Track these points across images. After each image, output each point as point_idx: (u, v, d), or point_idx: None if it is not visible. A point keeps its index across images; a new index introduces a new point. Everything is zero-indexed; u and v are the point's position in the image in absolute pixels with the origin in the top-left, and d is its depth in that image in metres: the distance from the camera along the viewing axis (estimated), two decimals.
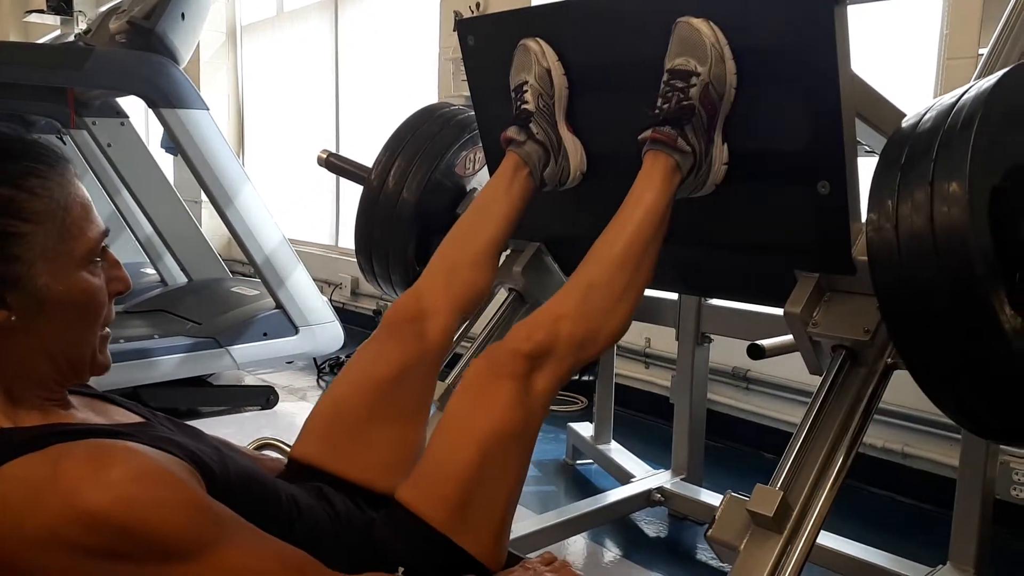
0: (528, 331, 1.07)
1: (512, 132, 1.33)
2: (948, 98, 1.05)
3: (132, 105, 3.60)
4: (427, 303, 1.21)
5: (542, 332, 1.07)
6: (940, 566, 1.68)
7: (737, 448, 2.74)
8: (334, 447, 1.10)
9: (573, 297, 1.11)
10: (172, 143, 3.10)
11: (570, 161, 1.37)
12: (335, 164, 2.08)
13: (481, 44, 1.52)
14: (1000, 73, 1.01)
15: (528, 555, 1.17)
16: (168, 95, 2.88)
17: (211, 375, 3.23)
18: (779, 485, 1.11)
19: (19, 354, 0.81)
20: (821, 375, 1.23)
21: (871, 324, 1.16)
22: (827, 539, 1.79)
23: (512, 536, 1.64)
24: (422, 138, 1.89)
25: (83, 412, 0.89)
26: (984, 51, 2.02)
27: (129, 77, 2.89)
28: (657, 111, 1.16)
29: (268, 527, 0.85)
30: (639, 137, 1.17)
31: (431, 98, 3.86)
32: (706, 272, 1.53)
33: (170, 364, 2.90)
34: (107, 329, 0.88)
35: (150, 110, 2.97)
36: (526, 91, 1.34)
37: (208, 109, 3.00)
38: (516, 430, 1.02)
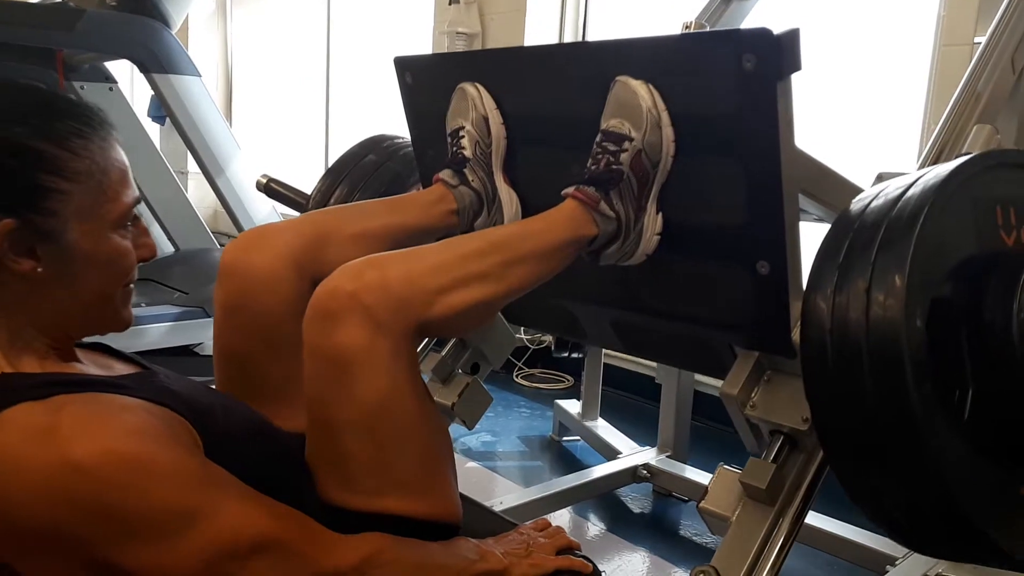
0: (353, 268, 0.92)
1: (446, 175, 1.25)
2: (896, 186, 0.96)
3: (117, 73, 3.55)
4: (273, 239, 1.10)
5: (369, 270, 0.92)
6: None
7: (720, 428, 2.77)
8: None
9: (419, 251, 1.00)
10: (163, 110, 3.07)
11: (505, 213, 1.29)
12: (274, 189, 2.05)
13: (419, 82, 1.44)
14: (952, 165, 0.92)
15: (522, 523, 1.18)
16: (160, 60, 2.84)
17: (198, 344, 3.22)
18: (772, 458, 1.13)
19: (39, 304, 0.83)
20: (759, 455, 1.16)
21: (809, 412, 1.03)
22: (811, 517, 1.82)
23: (498, 509, 1.66)
24: (367, 168, 1.78)
25: (83, 363, 0.90)
26: (979, 39, 2.04)
27: (121, 40, 2.85)
28: (585, 170, 1.10)
29: (274, 477, 0.86)
30: (561, 192, 1.10)
31: None
32: (646, 337, 1.46)
33: (157, 333, 2.88)
34: (130, 287, 0.90)
35: (135, 79, 2.93)
36: (463, 136, 1.26)
37: (200, 76, 2.97)
38: (382, 396, 0.90)
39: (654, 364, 2.93)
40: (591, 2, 3.41)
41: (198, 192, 4.79)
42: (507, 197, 1.29)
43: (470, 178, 1.25)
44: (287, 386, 1.07)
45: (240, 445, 0.89)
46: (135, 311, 3.12)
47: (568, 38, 3.41)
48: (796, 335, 1.08)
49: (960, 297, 0.87)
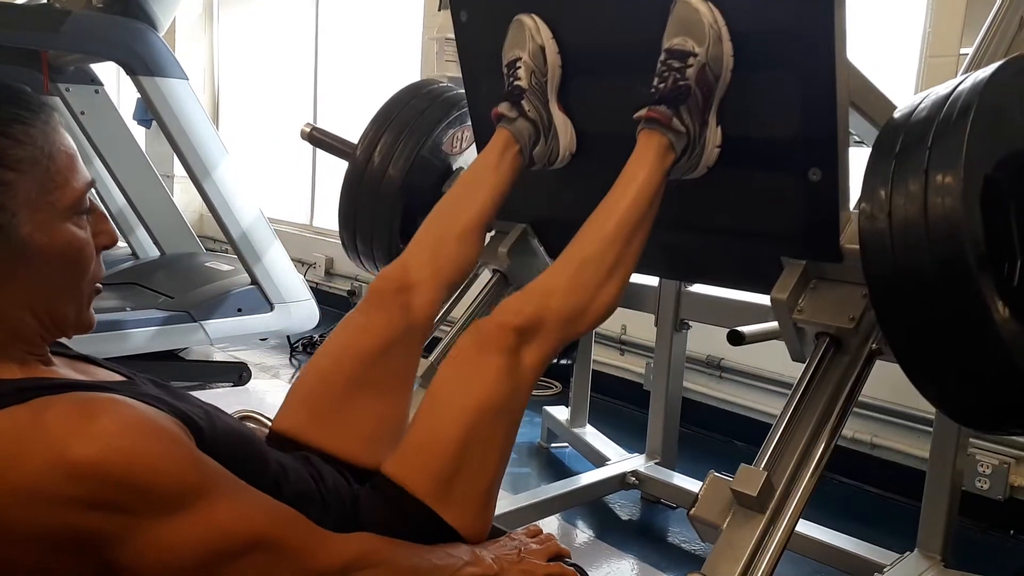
0: (519, 305, 1.07)
1: (503, 108, 1.31)
2: (943, 88, 1.06)
3: (103, 76, 3.52)
4: (413, 274, 1.19)
5: (532, 306, 1.06)
6: (908, 553, 1.72)
7: (709, 436, 2.78)
8: (317, 420, 1.09)
9: (564, 272, 1.11)
10: (149, 112, 3.05)
11: (560, 141, 1.37)
12: (318, 138, 2.06)
13: (474, 18, 1.51)
14: (995, 65, 1.02)
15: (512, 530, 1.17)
16: (147, 62, 2.81)
17: (183, 350, 3.19)
18: (763, 466, 1.13)
19: (0, 305, 0.79)
20: (803, 362, 1.24)
21: (856, 312, 1.18)
22: (799, 525, 1.82)
23: None
24: (410, 114, 1.87)
25: (64, 370, 0.88)
26: (966, 50, 2.06)
27: (107, 42, 2.82)
28: (653, 90, 1.16)
29: (254, 485, 0.85)
30: (634, 116, 1.17)
31: (413, 78, 3.82)
32: (693, 257, 1.53)
33: (142, 337, 2.85)
34: (96, 285, 0.87)
35: (120, 81, 2.91)
36: (519, 67, 1.32)
37: (187, 79, 2.95)
38: (503, 404, 1.02)
39: (641, 370, 2.94)
40: None
41: (184, 196, 4.76)
42: (562, 125, 1.36)
43: (526, 108, 1.31)
44: (368, 412, 1.11)
45: (227, 452, 0.87)
46: (119, 316, 3.08)
47: None
48: (844, 240, 1.17)
49: (1008, 181, 0.97)
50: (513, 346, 1.03)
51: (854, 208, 1.20)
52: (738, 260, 1.42)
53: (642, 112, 1.16)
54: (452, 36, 3.57)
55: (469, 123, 1.80)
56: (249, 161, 5.23)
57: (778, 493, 1.13)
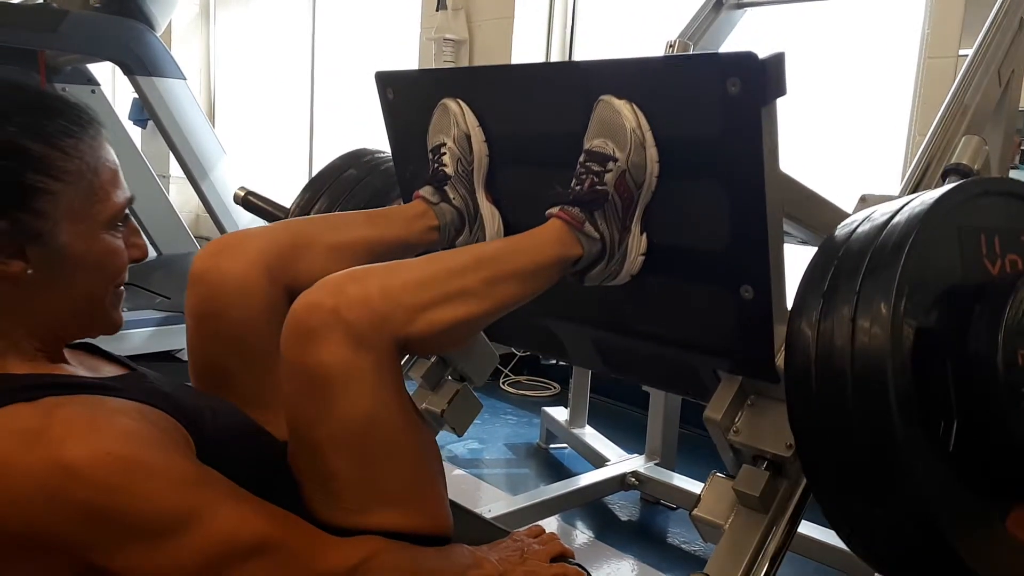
0: (332, 283, 0.89)
1: (426, 192, 1.22)
2: (882, 212, 0.96)
3: (99, 76, 3.51)
4: (245, 245, 1.07)
5: (349, 283, 0.89)
6: None
7: (708, 436, 2.77)
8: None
9: (401, 265, 0.97)
10: (146, 112, 3.04)
11: (486, 232, 1.27)
12: (252, 203, 2.01)
13: (400, 98, 1.42)
14: (937, 193, 0.93)
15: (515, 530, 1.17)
16: (145, 62, 2.81)
17: (179, 351, 3.18)
18: (765, 466, 1.13)
19: (29, 306, 0.82)
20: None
21: (793, 439, 1.03)
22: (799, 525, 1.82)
23: (486, 517, 1.65)
24: (346, 182, 1.75)
25: (72, 365, 0.89)
26: (965, 52, 2.07)
27: (105, 42, 2.82)
28: (569, 191, 1.08)
29: (260, 481, 0.84)
30: (545, 213, 1.08)
31: None
32: (629, 358, 1.44)
33: (139, 338, 2.85)
34: (120, 288, 0.89)
35: (116, 81, 2.90)
36: (444, 153, 1.24)
37: (185, 79, 2.94)
38: (365, 412, 0.87)
39: None
40: (579, 7, 3.42)
41: (180, 196, 4.75)
42: (489, 215, 1.27)
43: (451, 195, 1.22)
44: (263, 394, 1.05)
45: (232, 448, 0.87)
46: None
47: (556, 44, 3.42)
48: (780, 360, 1.08)
49: (945, 326, 0.87)
50: (335, 332, 0.85)
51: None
52: (674, 367, 1.34)
53: (553, 211, 1.07)
54: (451, 36, 3.57)
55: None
56: (246, 160, 5.23)
57: (781, 494, 1.12)
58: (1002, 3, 1.53)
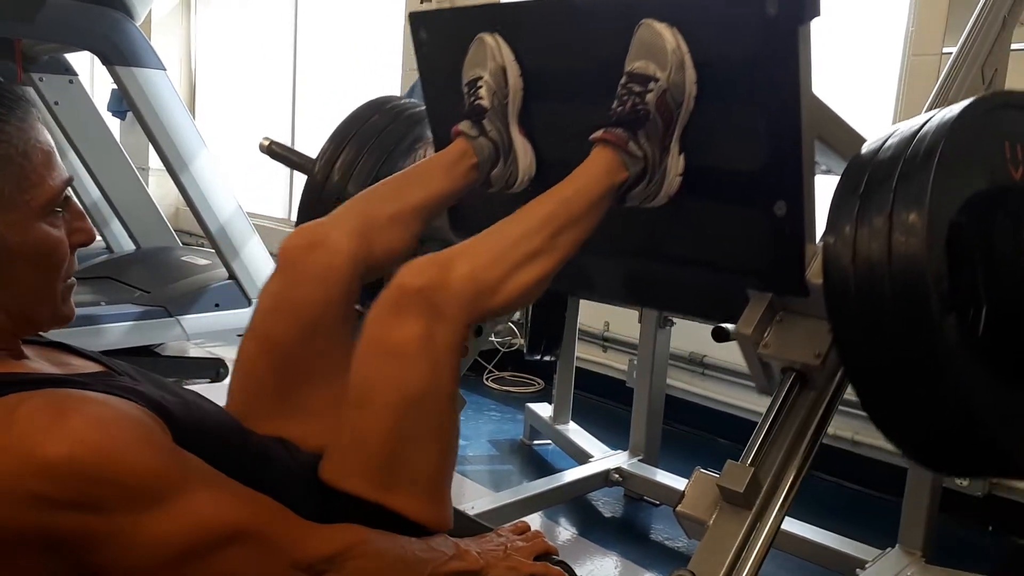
0: (422, 265, 0.96)
1: (464, 127, 1.25)
2: (910, 126, 1.03)
3: (77, 65, 3.46)
4: (332, 237, 1.09)
5: (436, 267, 0.96)
6: (889, 549, 1.73)
7: (691, 432, 2.78)
8: (260, 408, 1.05)
9: (479, 242, 1.02)
10: (125, 103, 3.00)
11: (519, 165, 1.30)
12: (277, 153, 2.01)
13: (434, 38, 1.45)
14: (963, 104, 1.00)
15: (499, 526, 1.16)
16: (124, 52, 2.77)
17: (159, 345, 3.14)
18: (749, 462, 1.12)
19: None
20: (770, 395, 1.19)
21: (822, 348, 1.13)
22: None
23: (469, 513, 1.64)
24: (371, 131, 1.78)
25: (37, 362, 0.86)
26: (949, 49, 2.08)
27: (83, 31, 2.77)
28: (611, 112, 1.12)
29: (236, 475, 0.83)
30: (590, 137, 1.12)
31: (394, 75, 3.79)
32: (656, 286, 1.47)
33: (117, 333, 2.81)
34: (71, 280, 0.85)
35: (94, 72, 2.86)
36: (480, 87, 1.27)
37: (165, 69, 2.90)
38: (425, 389, 0.93)
39: (623, 367, 2.93)
40: None
41: (160, 189, 4.69)
42: (522, 148, 1.31)
43: (488, 128, 1.26)
44: (312, 397, 1.06)
45: (210, 441, 0.85)
46: (94, 310, 3.03)
47: None
48: (811, 275, 1.14)
49: (974, 225, 0.95)
50: (418, 311, 0.93)
51: (820, 241, 1.17)
52: (703, 291, 1.38)
53: (598, 133, 1.11)
54: None
55: (432, 141, 1.75)
56: (227, 154, 5.18)
57: (764, 490, 1.12)
58: (986, 2, 1.54)
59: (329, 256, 1.08)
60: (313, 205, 1.84)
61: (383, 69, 3.94)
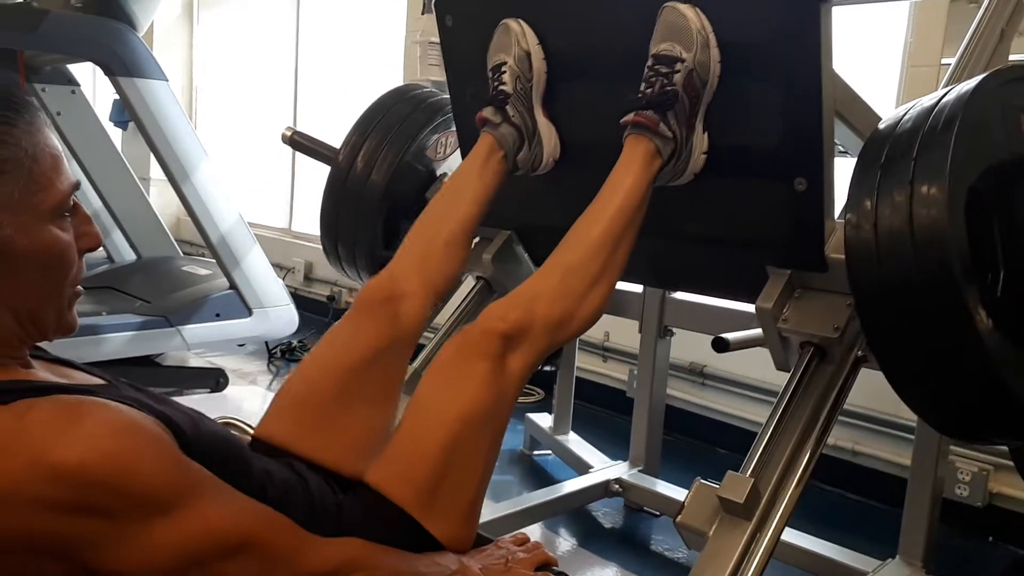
0: (504, 310, 1.06)
1: (488, 113, 1.31)
2: (928, 100, 1.07)
3: (79, 76, 3.47)
4: (401, 284, 1.18)
5: (518, 311, 1.06)
6: (890, 559, 1.72)
7: (691, 443, 2.77)
8: (303, 428, 1.07)
9: (550, 279, 1.11)
10: (127, 114, 3.00)
11: (544, 148, 1.36)
12: (300, 143, 2.04)
13: (459, 23, 1.50)
14: (979, 77, 1.04)
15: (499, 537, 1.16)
16: (126, 63, 2.77)
17: (159, 355, 3.14)
18: (749, 472, 1.12)
19: None
20: (788, 371, 1.24)
21: (840, 322, 1.18)
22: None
23: None
24: (393, 119, 1.86)
25: (44, 373, 0.86)
26: (947, 61, 2.08)
27: (85, 42, 2.78)
28: (640, 95, 1.16)
29: (240, 490, 0.83)
30: (621, 121, 1.17)
31: (396, 81, 3.81)
32: (678, 265, 1.53)
33: (118, 342, 2.81)
34: (78, 287, 0.85)
35: (97, 82, 2.86)
36: (504, 72, 1.32)
37: (167, 80, 2.91)
38: (487, 412, 1.01)
39: (624, 377, 2.93)
40: None
41: (161, 199, 4.69)
42: (546, 131, 1.36)
43: (511, 113, 1.31)
44: (355, 422, 1.08)
45: (216, 455, 0.86)
46: (95, 320, 3.03)
47: None
48: (829, 250, 1.18)
49: (991, 193, 1.00)
50: (498, 352, 1.03)
51: (839, 218, 1.20)
52: (723, 268, 1.42)
53: (629, 117, 1.16)
54: (436, 40, 3.55)
55: (454, 128, 1.80)
56: (228, 164, 5.19)
57: (764, 500, 1.12)
58: (984, 14, 1.55)
59: (404, 306, 1.16)
60: (338, 192, 1.87)
61: (385, 76, 3.95)
